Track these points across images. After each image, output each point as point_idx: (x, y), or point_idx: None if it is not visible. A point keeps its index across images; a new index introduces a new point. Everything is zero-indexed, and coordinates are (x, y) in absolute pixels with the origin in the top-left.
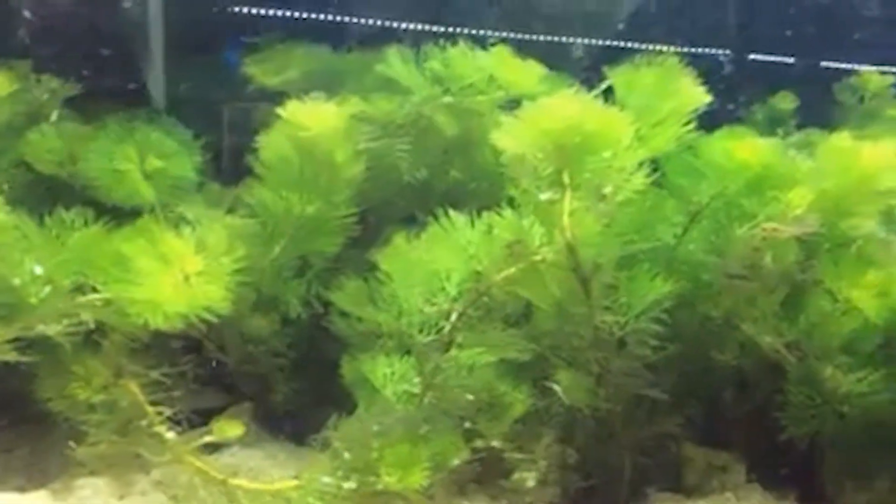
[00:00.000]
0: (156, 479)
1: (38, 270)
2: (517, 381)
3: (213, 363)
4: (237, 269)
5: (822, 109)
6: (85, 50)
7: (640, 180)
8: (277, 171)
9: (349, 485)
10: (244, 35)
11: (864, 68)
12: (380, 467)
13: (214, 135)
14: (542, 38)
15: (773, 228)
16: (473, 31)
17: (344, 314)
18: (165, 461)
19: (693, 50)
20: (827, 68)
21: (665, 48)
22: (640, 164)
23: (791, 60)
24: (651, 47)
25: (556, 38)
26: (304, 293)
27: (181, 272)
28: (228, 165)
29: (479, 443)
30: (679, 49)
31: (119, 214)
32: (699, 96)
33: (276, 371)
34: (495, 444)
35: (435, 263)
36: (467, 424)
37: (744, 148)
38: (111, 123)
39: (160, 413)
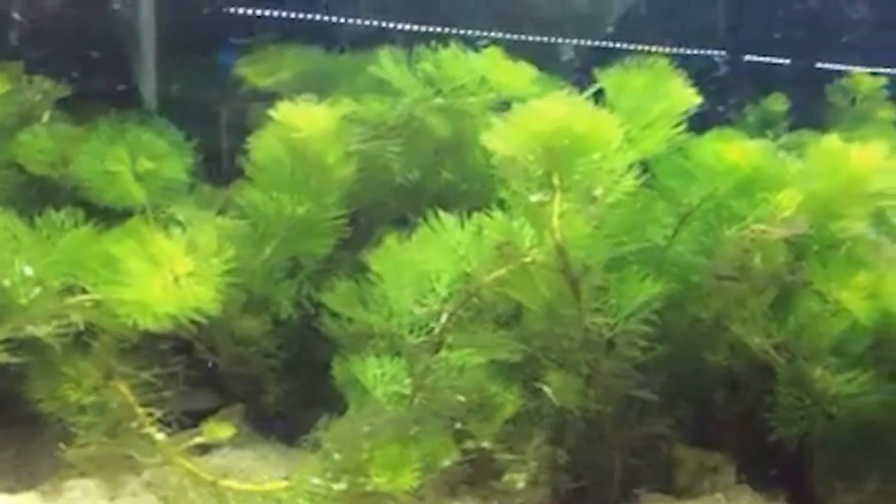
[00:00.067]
0: (146, 481)
1: (29, 271)
2: (507, 382)
3: (209, 364)
4: (227, 270)
5: (814, 111)
6: (77, 51)
7: (629, 182)
8: (268, 173)
9: (339, 486)
10: (238, 36)
11: (857, 70)
12: (370, 468)
13: (206, 136)
14: (534, 39)
15: (762, 230)
16: (466, 32)
17: (335, 315)
18: (156, 463)
19: (686, 51)
20: (820, 70)
21: (657, 49)
22: (630, 166)
23: (783, 62)
24: (643, 48)
25: (548, 40)
26: (296, 294)
27: (171, 273)
28: (220, 167)
29: (469, 444)
30: (671, 50)
31: (111, 216)
32: (690, 98)
33: (268, 372)
34: (486, 445)
35: (425, 264)
36: (458, 425)
37: (733, 150)
38: (102, 125)
39: (150, 414)
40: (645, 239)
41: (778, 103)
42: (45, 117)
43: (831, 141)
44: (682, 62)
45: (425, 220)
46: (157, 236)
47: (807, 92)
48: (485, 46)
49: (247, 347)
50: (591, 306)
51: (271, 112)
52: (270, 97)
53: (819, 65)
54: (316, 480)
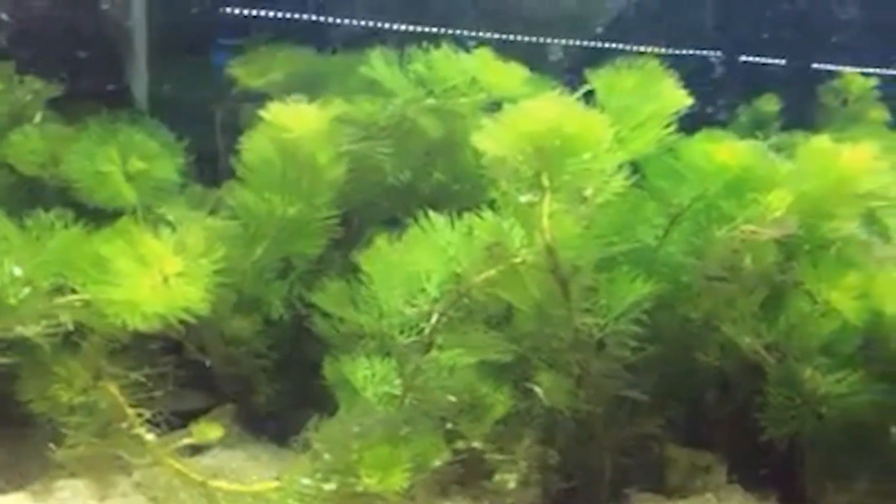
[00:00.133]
0: (137, 481)
1: (18, 272)
2: (498, 382)
3: (201, 364)
4: (217, 270)
5: (807, 112)
6: (69, 51)
7: (619, 182)
8: (260, 173)
9: (329, 486)
10: (231, 36)
11: (852, 70)
12: (360, 469)
13: (198, 136)
14: (526, 40)
15: (751, 231)
16: (458, 33)
17: (326, 315)
18: (146, 463)
19: (679, 52)
20: (813, 70)
21: (651, 50)
22: (620, 167)
23: (777, 62)
24: (636, 49)
25: (540, 40)
26: (287, 294)
27: (160, 273)
28: (212, 167)
29: (460, 444)
30: (665, 51)
31: (102, 216)
32: (681, 99)
33: (259, 372)
34: (476, 445)
35: (415, 265)
36: (448, 426)
37: (723, 150)
38: (93, 125)
39: (140, 415)
40: (635, 239)
41: (770, 104)
42: (37, 117)
43: (821, 141)
44: (675, 63)
45: (416, 220)
46: (146, 236)
47: (800, 92)
48: (475, 47)
49: (238, 348)
50: (581, 307)
51: (262, 113)
52: (263, 98)
53: (814, 65)
54: (306, 481)
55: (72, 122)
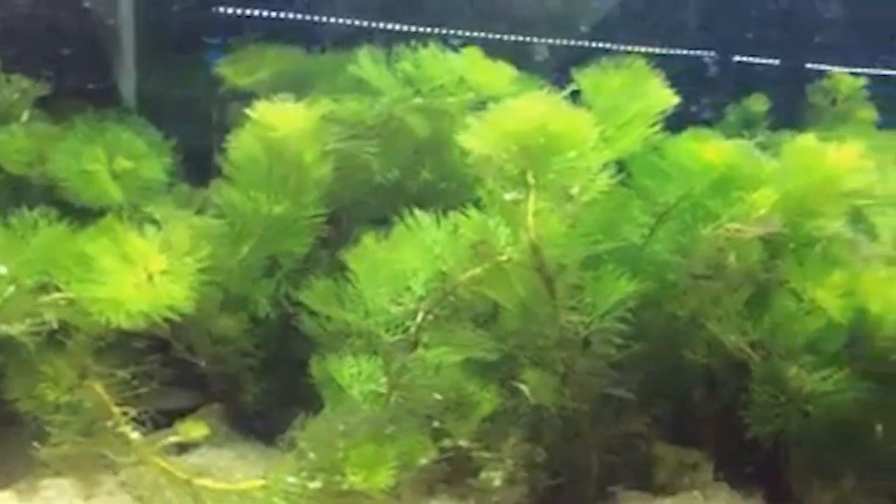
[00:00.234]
0: (123, 480)
1: (2, 270)
2: (484, 380)
3: (191, 363)
4: (203, 268)
5: (796, 111)
6: (56, 49)
7: (605, 181)
8: (246, 172)
9: (315, 484)
10: (219, 35)
11: (841, 70)
12: (345, 467)
13: (186, 135)
14: (515, 39)
15: (736, 229)
16: (448, 32)
17: (313, 314)
18: (131, 462)
19: (669, 51)
20: (803, 70)
21: (640, 49)
22: (606, 165)
23: (766, 62)
24: (626, 48)
25: (529, 40)
26: (274, 293)
27: (144, 271)
28: (200, 166)
29: (446, 442)
30: (654, 50)
31: (88, 215)
32: (667, 98)
33: (246, 371)
34: (463, 443)
35: (401, 263)
36: (435, 424)
37: (708, 149)
38: (80, 124)
39: (126, 413)
40: (621, 238)
41: (758, 103)
42: (24, 116)
43: (806, 140)
44: (664, 62)
45: (402, 219)
46: (130, 234)
47: (789, 92)
48: (462, 45)
49: (225, 346)
50: (566, 305)
51: (249, 111)
52: (250, 96)
53: (804, 65)
54: (291, 479)
55: (59, 120)
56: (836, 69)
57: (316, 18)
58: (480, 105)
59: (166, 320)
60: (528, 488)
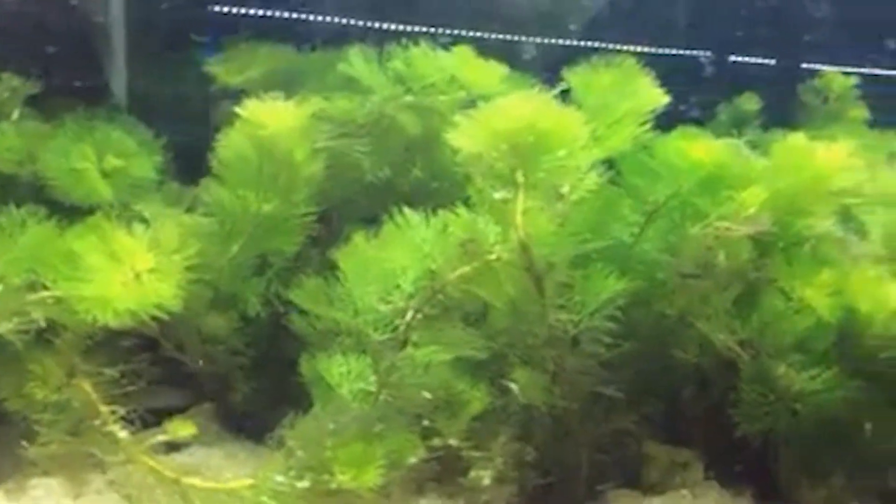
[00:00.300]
0: (111, 479)
1: None
2: (474, 379)
3: (181, 362)
4: (193, 266)
5: (788, 110)
6: (47, 47)
7: (594, 179)
8: (236, 170)
9: (303, 483)
10: (212, 33)
11: (835, 69)
12: (334, 466)
13: (177, 133)
14: (507, 38)
15: (725, 227)
16: (438, 31)
17: (303, 312)
18: (119, 461)
19: (660, 50)
20: (795, 69)
21: (633, 48)
22: (595, 164)
23: (758, 61)
24: (616, 47)
25: (519, 38)
26: (264, 292)
27: (132, 269)
28: (190, 164)
29: (436, 441)
30: (646, 49)
31: (78, 214)
32: (657, 97)
33: (236, 370)
34: (452, 442)
35: (390, 262)
36: (424, 423)
37: (697, 148)
38: (70, 122)
39: (114, 412)
40: (610, 236)
41: (750, 102)
42: (15, 115)
43: (796, 138)
44: (655, 61)
45: (391, 217)
46: (118, 232)
47: (781, 91)
48: (453, 44)
49: (214, 345)
50: (555, 303)
51: (239, 109)
52: (241, 95)
53: (796, 64)
54: (280, 478)
55: (49, 119)
56: (827, 68)
57: (307, 17)
58: (471, 104)
59: (155, 319)
60: (517, 487)
